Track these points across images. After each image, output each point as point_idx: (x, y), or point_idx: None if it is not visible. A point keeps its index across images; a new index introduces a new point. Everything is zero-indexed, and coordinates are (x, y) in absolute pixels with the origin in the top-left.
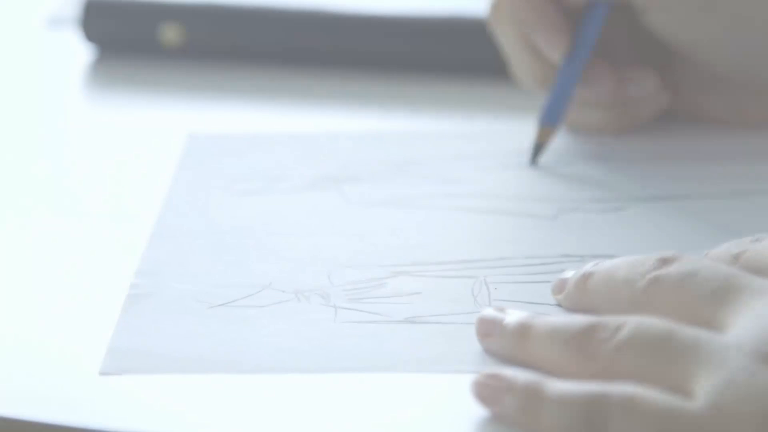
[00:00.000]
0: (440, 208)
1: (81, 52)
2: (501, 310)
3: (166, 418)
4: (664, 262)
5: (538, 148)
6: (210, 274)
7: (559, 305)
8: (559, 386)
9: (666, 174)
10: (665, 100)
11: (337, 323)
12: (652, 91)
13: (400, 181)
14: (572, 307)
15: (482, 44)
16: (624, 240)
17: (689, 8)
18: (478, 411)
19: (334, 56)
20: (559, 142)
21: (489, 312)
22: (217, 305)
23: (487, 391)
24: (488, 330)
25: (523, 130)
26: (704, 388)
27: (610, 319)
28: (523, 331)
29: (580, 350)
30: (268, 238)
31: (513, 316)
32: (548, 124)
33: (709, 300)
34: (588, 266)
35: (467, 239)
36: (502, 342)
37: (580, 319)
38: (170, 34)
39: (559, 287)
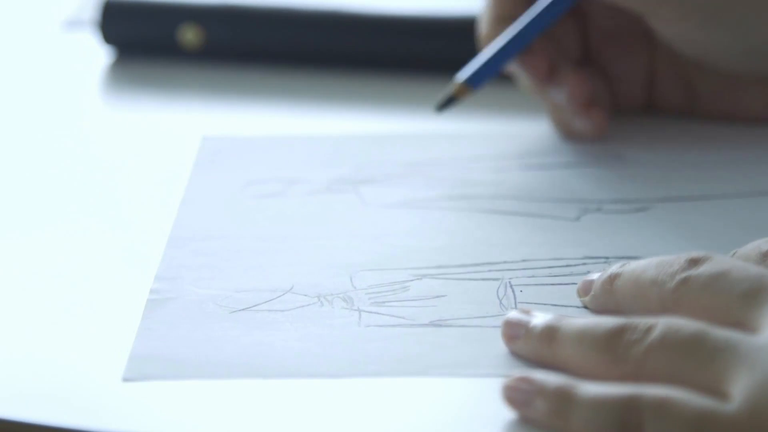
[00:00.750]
0: (458, 210)
1: (99, 54)
2: (526, 312)
3: (190, 424)
4: (694, 262)
5: (449, 101)
6: (230, 279)
7: (585, 307)
8: (591, 389)
9: (688, 174)
10: (598, 120)
11: (362, 327)
12: (570, 103)
13: (417, 182)
14: (599, 309)
15: None
16: (648, 241)
17: (693, 24)
18: (505, 415)
19: (351, 57)
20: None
21: (515, 314)
22: (238, 310)
23: (517, 394)
24: (515, 333)
25: (539, 131)
26: (740, 390)
27: (640, 321)
28: (550, 333)
29: (610, 352)
30: (286, 242)
31: (539, 318)
32: (468, 83)
33: (740, 301)
34: (614, 267)
35: (488, 241)
36: (529, 345)
37: (608, 321)
38: (189, 35)
39: (585, 289)
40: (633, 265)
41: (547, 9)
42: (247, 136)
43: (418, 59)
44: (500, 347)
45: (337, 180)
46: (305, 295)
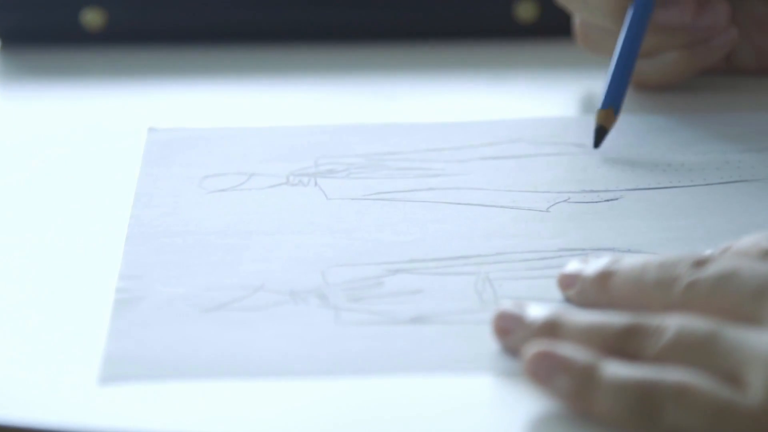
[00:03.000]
0: (425, 202)
1: None
2: (520, 306)
3: (171, 425)
4: (699, 264)
5: (600, 133)
6: (198, 276)
7: (567, 301)
8: (614, 371)
9: (656, 164)
10: (735, 34)
11: (340, 325)
12: (726, 21)
13: (379, 174)
14: (586, 304)
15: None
16: (622, 232)
17: None
18: (494, 412)
19: (258, 30)
20: (545, 132)
21: (508, 308)
22: (211, 309)
23: (540, 368)
24: (508, 327)
25: (495, 124)
26: (759, 381)
27: (651, 320)
28: (551, 328)
29: (620, 353)
30: (252, 237)
31: (537, 311)
32: (608, 106)
33: (751, 299)
34: (604, 263)
35: (460, 234)
36: (526, 339)
37: (617, 320)
38: (90, 17)
39: (567, 282)
40: (629, 265)
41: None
42: (197, 128)
43: (310, 27)
44: (486, 343)
45: (295, 173)
46: (278, 293)
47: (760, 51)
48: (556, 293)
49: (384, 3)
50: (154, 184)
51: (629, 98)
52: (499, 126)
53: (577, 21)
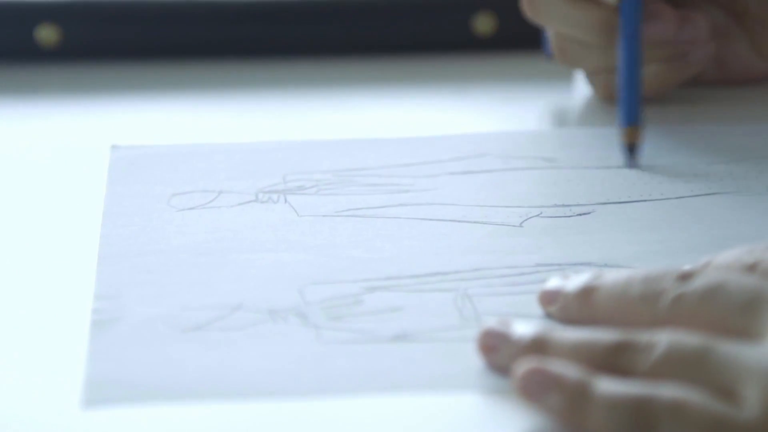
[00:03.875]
0: (397, 218)
1: None
2: (505, 323)
3: None
4: (684, 278)
5: (631, 150)
6: (174, 296)
7: (548, 317)
8: (607, 387)
9: (625, 177)
10: (713, 48)
11: (322, 344)
12: (706, 35)
13: (348, 190)
14: (568, 320)
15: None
16: (598, 246)
17: None
18: (483, 429)
19: (214, 46)
20: (511, 146)
21: (493, 326)
22: (190, 329)
23: (531, 385)
24: (493, 344)
25: (461, 138)
26: (753, 395)
27: (640, 336)
28: (538, 347)
29: (610, 370)
30: (226, 255)
31: (524, 329)
32: (631, 123)
33: (740, 312)
34: (585, 279)
35: (435, 250)
36: (512, 357)
37: (605, 336)
38: (45, 34)
39: (548, 298)
40: (612, 280)
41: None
42: (161, 146)
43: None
44: (472, 361)
45: (264, 190)
46: (256, 312)
47: (721, 61)
48: (537, 309)
49: (343, 18)
50: (121, 203)
51: (598, 111)
52: (464, 140)
53: (552, 34)
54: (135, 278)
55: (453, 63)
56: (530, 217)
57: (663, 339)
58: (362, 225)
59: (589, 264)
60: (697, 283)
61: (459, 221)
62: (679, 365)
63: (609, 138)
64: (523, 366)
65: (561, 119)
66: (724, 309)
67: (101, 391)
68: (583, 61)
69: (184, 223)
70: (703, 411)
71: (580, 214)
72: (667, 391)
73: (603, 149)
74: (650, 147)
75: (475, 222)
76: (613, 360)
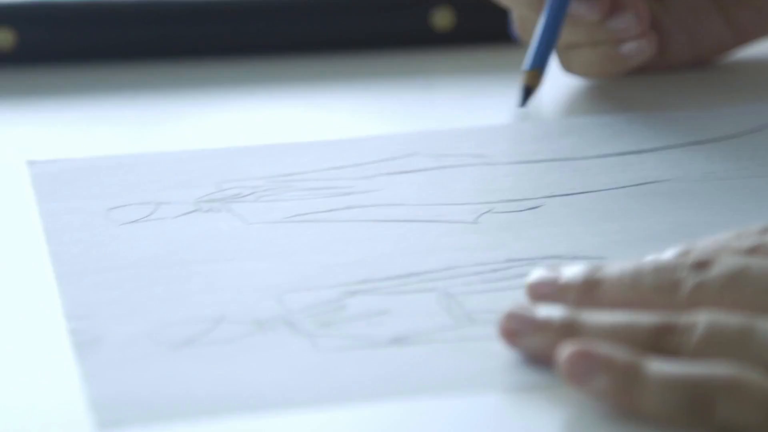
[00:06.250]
0: (350, 221)
1: None
2: (527, 307)
3: None
4: (701, 265)
5: (527, 92)
6: (149, 312)
7: None
8: (660, 367)
9: (563, 169)
10: (651, 44)
11: (320, 352)
12: (640, 28)
13: (289, 196)
14: None
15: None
16: (558, 238)
17: None
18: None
19: (175, 47)
20: (438, 145)
21: (517, 309)
22: (179, 345)
23: (578, 369)
24: (517, 328)
25: (387, 139)
26: None
27: (678, 318)
28: (570, 331)
29: (652, 352)
30: (188, 267)
31: (552, 311)
32: (536, 68)
33: (766, 294)
34: (582, 271)
35: (401, 251)
36: (542, 340)
37: (644, 319)
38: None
39: (538, 292)
40: (616, 272)
41: None
42: (81, 159)
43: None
44: (477, 361)
45: (203, 199)
46: (241, 323)
47: (695, 38)
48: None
49: (299, 14)
50: (60, 220)
51: (561, 102)
52: (391, 141)
53: (515, 15)
54: (102, 296)
55: (412, 58)
56: (482, 213)
57: (702, 319)
58: (317, 230)
59: (558, 257)
60: (717, 271)
61: (413, 221)
62: (723, 344)
63: (535, 132)
64: (568, 349)
65: (522, 112)
66: (752, 293)
67: (113, 414)
68: None
69: (132, 236)
70: (762, 388)
71: (530, 208)
72: (723, 369)
73: (530, 143)
74: (582, 137)
75: (429, 221)
76: (654, 342)
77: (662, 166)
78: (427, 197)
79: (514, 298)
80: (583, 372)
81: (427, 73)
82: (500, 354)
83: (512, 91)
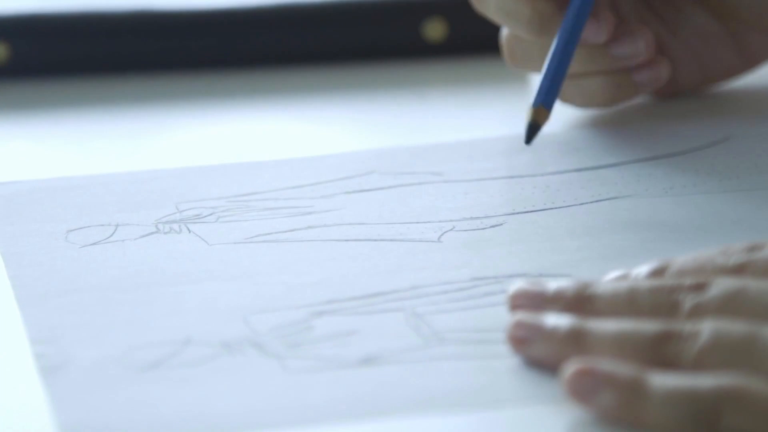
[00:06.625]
0: (312, 241)
1: None
2: (534, 315)
3: None
4: (698, 287)
5: (533, 129)
6: (114, 335)
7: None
8: (663, 381)
9: (523, 186)
10: (664, 71)
11: (290, 374)
12: (647, 51)
13: (249, 216)
14: None
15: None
16: (523, 256)
17: None
18: None
19: (170, 60)
20: (394, 163)
21: (526, 317)
22: (146, 368)
23: (582, 386)
24: (525, 336)
25: (343, 157)
26: None
27: (682, 326)
28: (576, 339)
29: (655, 361)
30: (151, 290)
31: (558, 319)
32: (544, 105)
33: (765, 313)
34: (572, 287)
35: (364, 271)
36: (548, 348)
37: (648, 327)
38: None
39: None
40: (609, 290)
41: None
42: (32, 180)
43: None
44: (446, 381)
45: (162, 221)
46: (208, 345)
47: (705, 64)
48: (495, 323)
49: (290, 25)
50: (17, 243)
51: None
52: (348, 159)
53: (505, 35)
54: (65, 320)
55: (404, 69)
56: (445, 232)
57: (706, 327)
58: (280, 250)
59: (525, 275)
60: (714, 292)
61: (376, 240)
62: (727, 352)
63: (490, 149)
64: (571, 368)
65: (514, 124)
66: (750, 314)
67: None
68: (529, 61)
69: (92, 259)
70: (767, 395)
71: (492, 226)
72: (726, 379)
73: (485, 161)
74: (539, 153)
75: (392, 240)
76: (658, 350)
77: (622, 181)
78: (388, 216)
79: (482, 317)
80: (587, 389)
81: (419, 84)
82: (471, 373)
83: (504, 102)
